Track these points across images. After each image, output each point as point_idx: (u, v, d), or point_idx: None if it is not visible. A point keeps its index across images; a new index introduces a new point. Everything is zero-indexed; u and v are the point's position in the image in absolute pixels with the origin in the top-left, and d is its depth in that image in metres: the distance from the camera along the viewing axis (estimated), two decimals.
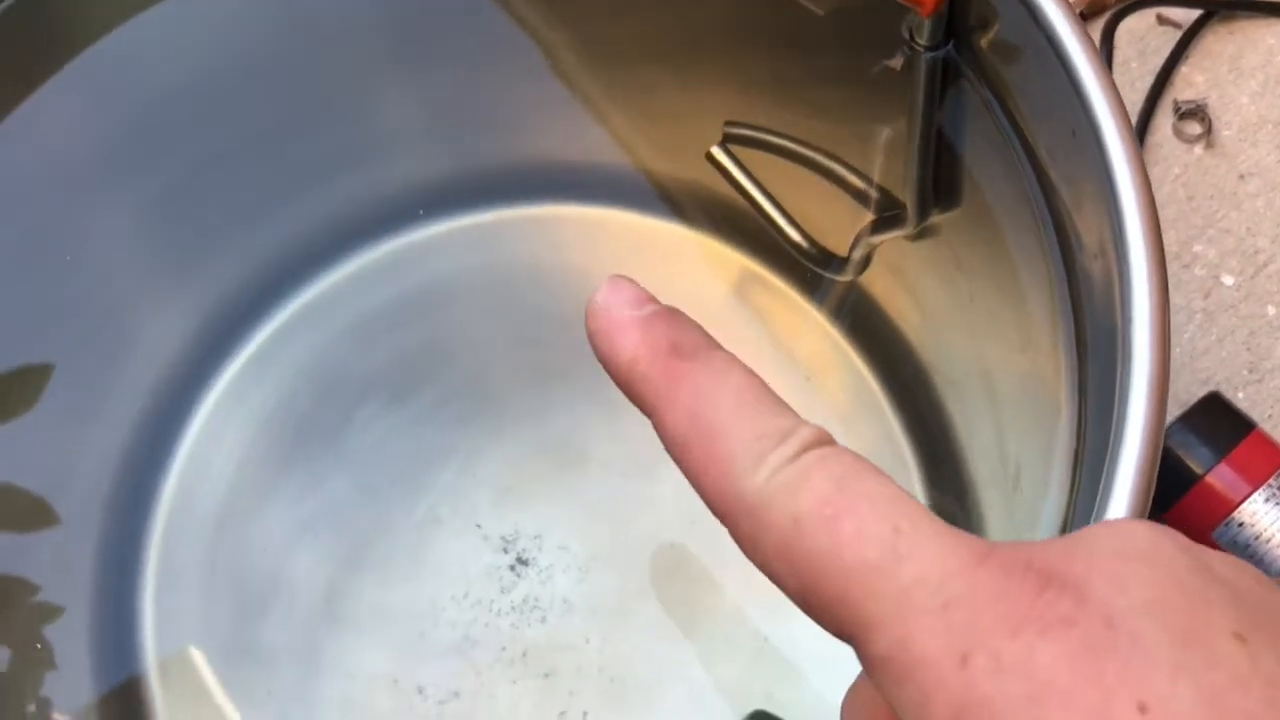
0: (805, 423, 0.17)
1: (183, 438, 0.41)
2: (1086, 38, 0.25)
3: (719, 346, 0.18)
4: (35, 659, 0.38)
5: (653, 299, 0.19)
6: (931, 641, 0.14)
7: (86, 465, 0.40)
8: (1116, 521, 0.16)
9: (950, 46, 0.29)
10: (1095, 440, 0.25)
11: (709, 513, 0.44)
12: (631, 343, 0.18)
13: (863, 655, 0.15)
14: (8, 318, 0.38)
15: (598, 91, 0.41)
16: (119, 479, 0.40)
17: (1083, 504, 0.25)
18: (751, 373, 0.18)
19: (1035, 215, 0.28)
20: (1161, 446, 0.21)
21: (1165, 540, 0.15)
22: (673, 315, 0.19)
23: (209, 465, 0.41)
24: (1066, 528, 0.25)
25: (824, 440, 0.17)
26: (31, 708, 0.37)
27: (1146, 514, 0.22)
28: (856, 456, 0.16)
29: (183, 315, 0.41)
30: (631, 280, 0.19)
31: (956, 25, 0.28)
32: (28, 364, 0.39)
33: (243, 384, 0.41)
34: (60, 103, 0.34)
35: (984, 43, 0.28)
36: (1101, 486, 0.21)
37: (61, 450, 0.40)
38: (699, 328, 0.19)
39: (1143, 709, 0.13)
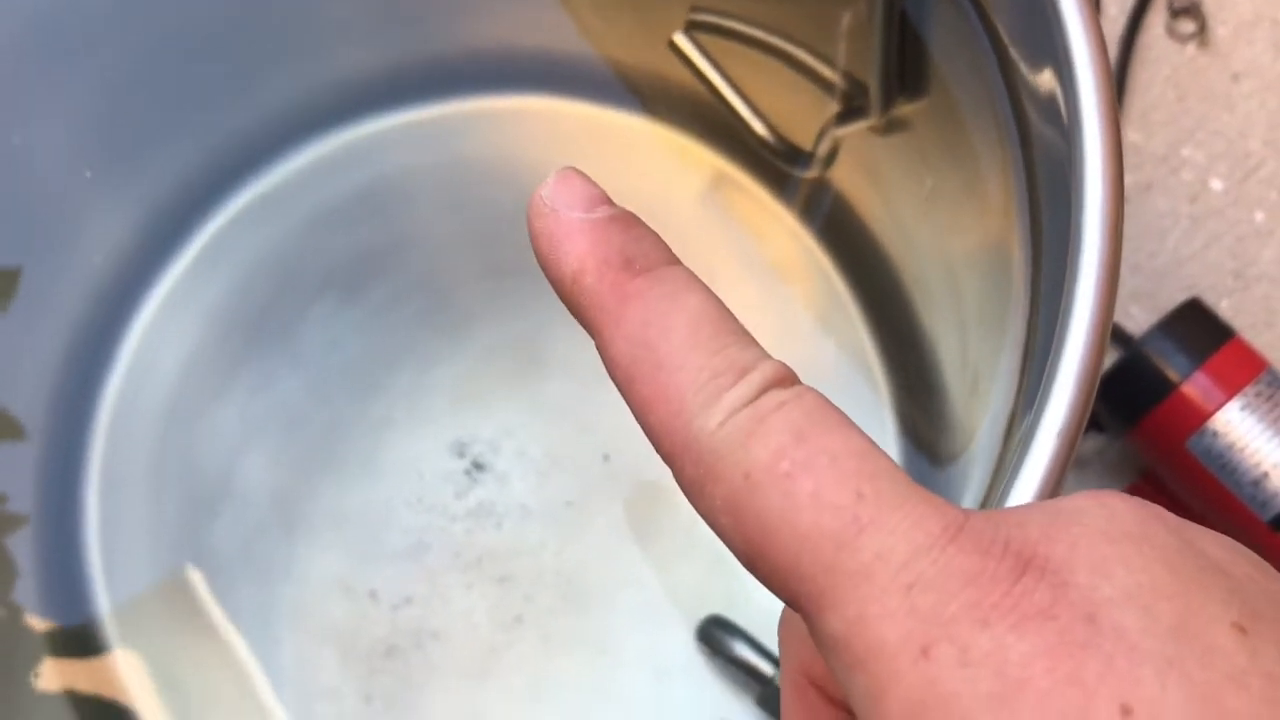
0: (767, 357, 0.15)
1: (129, 334, 0.40)
2: None
3: (677, 261, 0.16)
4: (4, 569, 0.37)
5: (606, 199, 0.17)
6: (891, 627, 0.13)
7: (28, 362, 0.39)
8: (1103, 494, 0.14)
9: None
10: (1045, 333, 0.24)
11: None
12: (578, 251, 0.16)
13: (814, 631, 0.14)
14: None
15: None
16: (63, 377, 0.39)
17: (1028, 395, 0.24)
18: (711, 295, 0.16)
19: (995, 98, 0.27)
20: (1109, 329, 0.20)
21: (1155, 520, 0.14)
22: (628, 221, 0.16)
23: (156, 363, 0.40)
24: (1013, 421, 0.24)
25: (787, 379, 0.15)
26: (2, 612, 0.37)
27: (1090, 402, 0.21)
28: (822, 400, 0.15)
29: (129, 208, 0.40)
30: (583, 175, 0.17)
31: None
32: None
33: (191, 280, 0.40)
34: None
35: None
36: (1046, 373, 0.20)
37: (5, 350, 0.39)
38: (656, 238, 0.16)
39: (1126, 711, 0.12)
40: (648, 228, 0.16)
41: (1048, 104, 0.25)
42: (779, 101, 0.37)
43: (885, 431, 0.39)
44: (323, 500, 0.39)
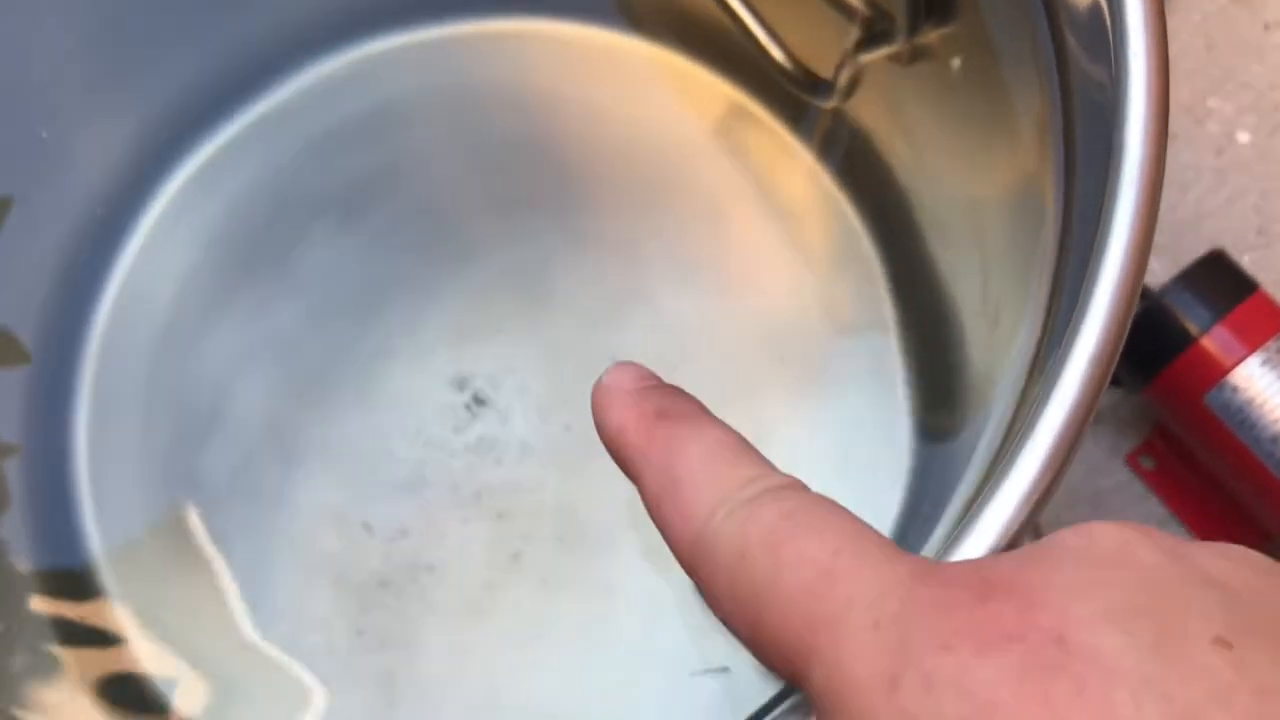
0: (775, 472, 0.16)
1: (121, 258, 0.39)
2: None
3: (707, 412, 0.18)
4: None
5: (652, 377, 0.19)
6: (862, 665, 0.13)
7: (17, 285, 0.38)
8: (1084, 526, 0.14)
9: None
10: (1076, 263, 0.23)
11: (680, 356, 0.42)
12: (621, 411, 0.18)
13: (809, 696, 0.14)
14: None
15: None
16: (54, 301, 0.38)
17: (1057, 329, 0.22)
18: (730, 430, 0.17)
19: (1031, 17, 0.25)
20: (1147, 254, 0.19)
21: (1137, 539, 0.13)
22: (667, 388, 0.19)
23: (149, 287, 0.38)
24: (1039, 356, 0.23)
25: (791, 485, 0.16)
26: None
27: (1123, 337, 0.19)
28: (819, 495, 0.16)
29: (124, 126, 0.38)
30: (637, 364, 0.19)
31: None
32: None
33: (186, 202, 0.39)
34: None
35: None
36: (1081, 296, 0.19)
37: None
38: (690, 397, 0.19)
39: None
40: (687, 394, 0.19)
41: (1090, 32, 0.24)
42: (799, 28, 0.36)
43: (896, 376, 0.38)
44: (317, 429, 0.38)
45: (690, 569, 0.16)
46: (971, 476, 0.23)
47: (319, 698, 0.36)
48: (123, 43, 0.37)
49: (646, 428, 0.18)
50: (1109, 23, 0.22)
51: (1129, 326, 0.19)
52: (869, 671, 0.13)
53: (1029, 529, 0.19)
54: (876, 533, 0.15)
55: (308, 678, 0.36)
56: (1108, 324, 0.18)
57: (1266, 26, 0.47)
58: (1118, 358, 0.20)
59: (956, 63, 0.31)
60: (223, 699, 0.36)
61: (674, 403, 0.18)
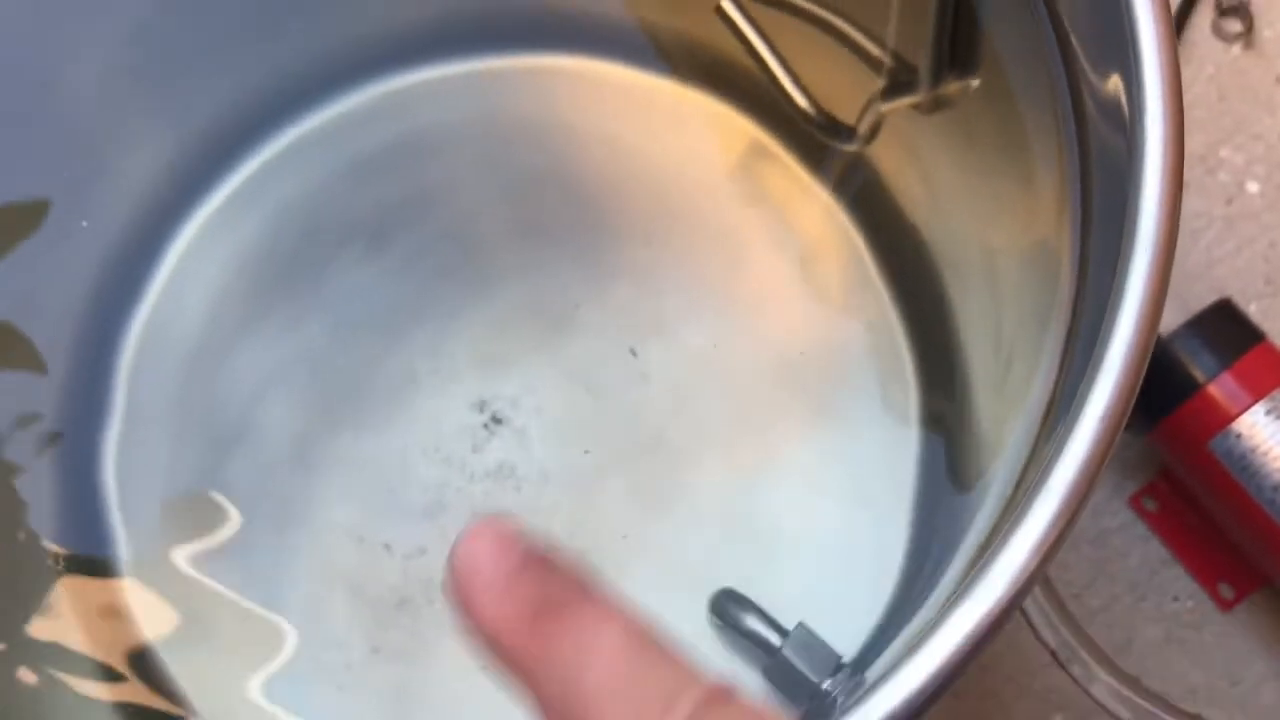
0: (695, 679, 0.15)
1: (157, 272, 0.40)
2: None
3: (593, 592, 0.16)
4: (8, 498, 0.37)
5: (517, 540, 0.16)
6: None
7: (57, 295, 0.39)
8: None
9: None
10: (1091, 316, 0.24)
11: (695, 386, 0.43)
12: (492, 609, 0.16)
13: None
14: None
15: None
16: (90, 311, 0.39)
17: (1071, 382, 0.23)
18: (628, 621, 0.16)
19: (1052, 81, 0.26)
20: (1159, 317, 0.20)
21: None
22: (539, 565, 0.16)
23: (184, 301, 0.39)
24: (1052, 406, 0.24)
25: (717, 698, 0.15)
26: (21, 535, 0.37)
27: (1134, 396, 0.20)
28: (753, 706, 0.15)
29: (163, 148, 0.39)
30: (493, 526, 0.16)
31: None
32: (23, 200, 0.37)
33: (222, 221, 0.40)
34: None
35: None
36: (1094, 356, 0.20)
37: (33, 280, 0.39)
38: (564, 572, 0.16)
39: None
40: (553, 562, 0.16)
41: (1109, 98, 0.24)
42: (823, 75, 0.37)
43: (909, 417, 0.39)
44: (341, 447, 0.39)
45: None
46: (981, 523, 0.24)
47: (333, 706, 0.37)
48: (166, 67, 0.38)
49: (528, 632, 0.16)
50: (1126, 91, 0.22)
51: (1139, 388, 0.20)
52: None
53: (1039, 577, 0.19)
54: None
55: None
56: (1119, 384, 0.19)
57: (1278, 80, 0.48)
58: (1129, 414, 0.20)
59: (977, 114, 0.32)
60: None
61: (554, 589, 0.16)
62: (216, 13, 0.38)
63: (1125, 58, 0.22)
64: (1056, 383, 0.24)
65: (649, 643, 0.15)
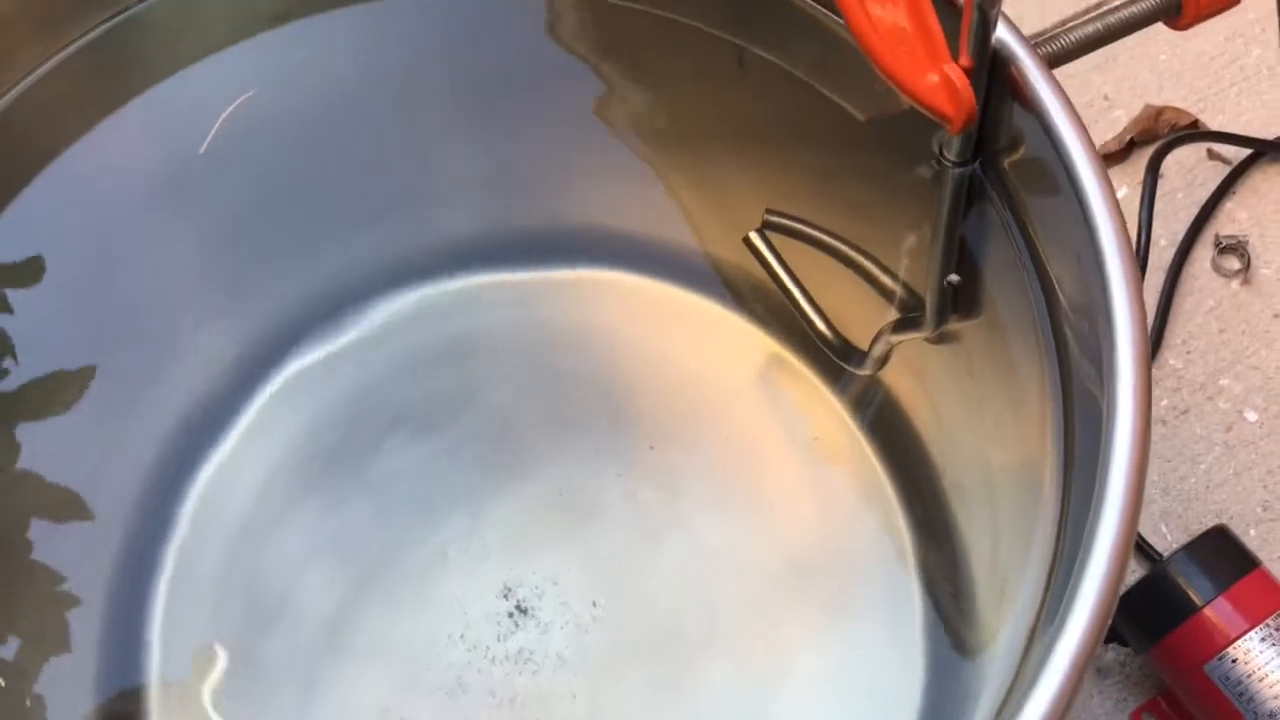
0: None
1: (215, 451, 0.43)
2: (1102, 170, 0.27)
3: None
4: (44, 647, 0.39)
5: None
6: None
7: (122, 466, 0.42)
8: None
9: (977, 165, 0.30)
10: (1070, 552, 0.26)
11: (711, 582, 0.45)
12: None
13: None
14: (74, 322, 0.41)
15: (652, 168, 0.43)
16: (150, 482, 0.42)
17: (1050, 609, 0.25)
18: None
19: (1040, 336, 0.29)
20: (1124, 568, 0.22)
21: None
22: None
23: (237, 479, 0.42)
24: (1034, 631, 0.26)
25: None
26: (28, 703, 0.39)
27: (1103, 634, 0.22)
28: None
29: (231, 334, 0.43)
30: None
31: (984, 145, 0.30)
32: (81, 365, 0.41)
33: (279, 406, 0.43)
34: (137, 130, 0.37)
35: (1008, 164, 0.29)
36: (1066, 596, 0.22)
37: (101, 449, 0.42)
38: None
39: None
40: None
41: (1088, 344, 0.27)
42: (840, 302, 0.40)
43: (914, 616, 0.40)
44: (372, 627, 0.41)
45: None
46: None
47: None
48: (237, 265, 0.42)
49: None
50: (1102, 350, 0.25)
51: (1106, 629, 0.22)
52: None
53: None
54: None
55: None
56: (1086, 634, 0.21)
57: (1276, 315, 0.50)
58: (1098, 647, 0.22)
59: (977, 349, 0.35)
60: None
61: None
62: (296, 217, 0.42)
63: (1100, 311, 0.25)
64: (1040, 607, 0.27)
65: None
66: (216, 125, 0.38)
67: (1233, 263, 0.51)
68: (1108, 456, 0.24)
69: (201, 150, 0.39)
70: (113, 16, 0.36)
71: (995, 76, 0.28)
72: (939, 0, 0.27)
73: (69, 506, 0.40)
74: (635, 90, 0.41)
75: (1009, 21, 0.28)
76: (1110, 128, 0.54)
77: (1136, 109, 0.54)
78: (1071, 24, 0.29)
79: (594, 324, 0.44)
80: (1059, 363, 0.29)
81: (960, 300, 0.33)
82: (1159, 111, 0.54)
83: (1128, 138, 0.53)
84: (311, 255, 0.43)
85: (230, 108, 0.38)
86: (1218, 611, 0.41)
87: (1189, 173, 0.53)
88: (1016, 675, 0.27)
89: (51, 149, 0.37)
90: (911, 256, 0.36)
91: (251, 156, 0.41)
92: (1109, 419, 0.24)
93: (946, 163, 0.30)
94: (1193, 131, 0.53)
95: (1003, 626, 0.32)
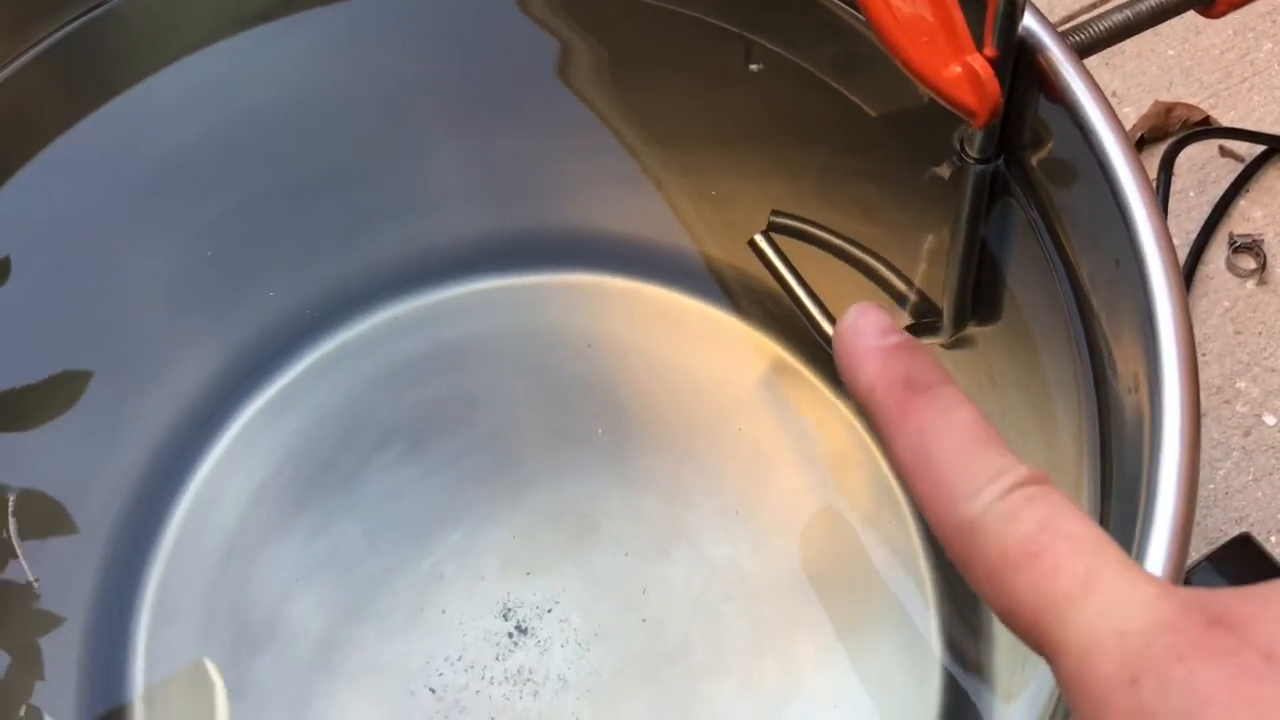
0: (1020, 463, 0.19)
1: (200, 467, 0.41)
2: (1139, 166, 0.25)
3: (950, 382, 0.20)
4: (30, 667, 0.38)
5: (894, 328, 0.21)
6: (1105, 663, 0.16)
7: (105, 481, 0.40)
8: None
9: (1001, 161, 0.28)
10: None
11: (716, 598, 0.43)
12: (870, 372, 0.21)
13: (1054, 671, 0.17)
14: (51, 329, 0.39)
15: (651, 169, 0.41)
16: (134, 499, 0.40)
17: None
18: (976, 412, 0.20)
19: (1072, 340, 0.28)
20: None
21: None
22: (911, 348, 0.21)
23: (222, 497, 0.41)
24: None
25: (1035, 480, 0.18)
26: (22, 712, 0.37)
27: None
28: (1064, 498, 0.18)
29: (216, 347, 0.41)
30: (878, 307, 0.22)
31: (1009, 141, 0.28)
32: (69, 370, 0.39)
33: (265, 421, 0.41)
34: (112, 132, 0.35)
35: (1035, 161, 0.28)
36: None
37: (84, 463, 0.40)
38: (934, 363, 0.21)
39: None
40: (926, 353, 0.21)
41: (1127, 354, 0.26)
42: (851, 307, 0.39)
43: (928, 634, 0.39)
44: (365, 648, 0.39)
45: (947, 545, 0.19)
46: None
47: None
48: (220, 274, 0.41)
49: (897, 398, 0.20)
50: (1144, 364, 0.24)
51: None
52: (1112, 670, 0.16)
53: None
54: (1118, 548, 0.17)
55: None
56: None
57: None
58: None
59: (1000, 358, 0.33)
60: None
61: (917, 369, 0.20)
62: (283, 225, 0.41)
63: (1143, 332, 0.24)
64: None
65: (989, 430, 0.19)
66: (196, 128, 0.36)
67: (1248, 262, 0.50)
68: (1154, 481, 0.22)
69: (181, 154, 0.37)
70: (85, 13, 0.34)
71: (1022, 67, 0.26)
72: None
73: (52, 520, 0.39)
74: (635, 90, 0.40)
75: (1036, 9, 0.26)
76: None
77: (1145, 106, 0.53)
78: (1100, 11, 0.27)
79: (594, 331, 0.43)
80: (1093, 373, 0.28)
81: (981, 306, 0.32)
82: (1169, 108, 0.52)
83: (1138, 135, 0.52)
84: (298, 262, 0.42)
85: (210, 110, 0.36)
86: None
87: (1200, 170, 0.52)
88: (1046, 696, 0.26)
89: (25, 151, 0.36)
90: (929, 260, 0.34)
91: (234, 162, 0.39)
92: (1154, 437, 0.22)
93: (968, 159, 0.28)
94: (1204, 128, 0.52)
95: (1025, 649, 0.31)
